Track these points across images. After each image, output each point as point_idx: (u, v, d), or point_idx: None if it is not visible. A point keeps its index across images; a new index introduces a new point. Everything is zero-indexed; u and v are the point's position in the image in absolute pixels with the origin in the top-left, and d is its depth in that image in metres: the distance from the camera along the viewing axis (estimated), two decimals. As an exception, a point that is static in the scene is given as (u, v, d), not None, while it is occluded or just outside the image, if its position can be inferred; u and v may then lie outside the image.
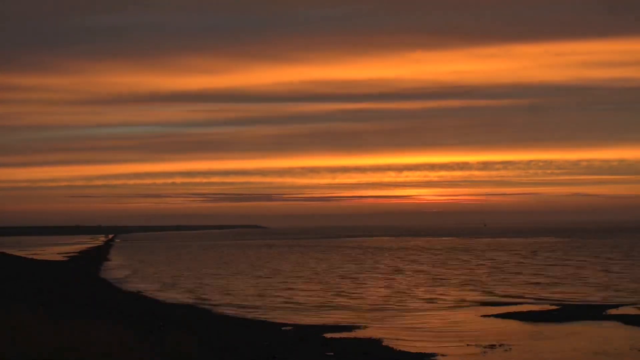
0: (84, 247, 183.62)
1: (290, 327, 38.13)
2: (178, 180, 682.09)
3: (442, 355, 29.88)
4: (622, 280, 64.01)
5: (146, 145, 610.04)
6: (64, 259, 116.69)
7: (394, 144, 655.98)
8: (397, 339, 33.79)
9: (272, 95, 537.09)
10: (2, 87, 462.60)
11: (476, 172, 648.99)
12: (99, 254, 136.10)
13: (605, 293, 53.54)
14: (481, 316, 42.21)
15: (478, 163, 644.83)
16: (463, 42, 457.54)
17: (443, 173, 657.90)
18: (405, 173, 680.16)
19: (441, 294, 55.09)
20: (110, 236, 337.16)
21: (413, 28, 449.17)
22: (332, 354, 29.48)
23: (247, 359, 27.60)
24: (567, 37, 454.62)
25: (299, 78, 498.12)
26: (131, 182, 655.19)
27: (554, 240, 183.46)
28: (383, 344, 32.47)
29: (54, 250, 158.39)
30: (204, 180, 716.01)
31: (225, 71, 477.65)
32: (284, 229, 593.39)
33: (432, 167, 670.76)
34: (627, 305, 45.91)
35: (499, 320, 40.13)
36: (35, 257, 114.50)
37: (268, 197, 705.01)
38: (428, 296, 53.99)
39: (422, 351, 30.71)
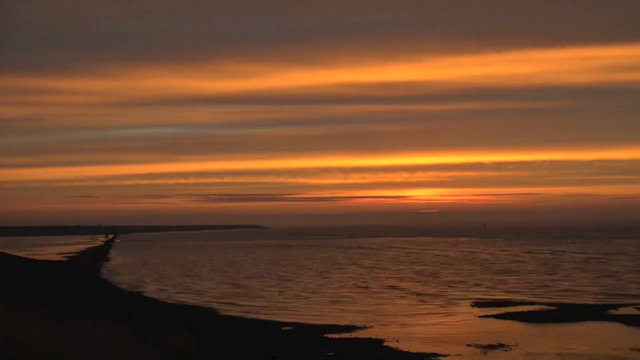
0: (83, 247, 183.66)
1: (290, 327, 38.16)
2: (191, 180, 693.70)
3: (442, 355, 29.90)
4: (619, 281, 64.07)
5: (163, 146, 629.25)
6: (64, 259, 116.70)
7: (410, 145, 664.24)
8: (397, 339, 33.81)
9: (299, 98, 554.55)
10: (36, 90, 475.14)
11: (489, 173, 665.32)
12: (99, 254, 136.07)
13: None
14: (480, 316, 42.22)
15: (492, 163, 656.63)
16: (488, 48, 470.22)
17: (455, 173, 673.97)
18: (418, 173, 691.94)
19: (441, 294, 55.11)
20: (111, 236, 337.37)
21: (440, 34, 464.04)
22: (332, 354, 29.51)
23: (247, 359, 27.62)
24: (591, 42, 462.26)
25: (329, 81, 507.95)
26: (138, 182, 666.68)
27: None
28: (383, 344, 32.50)
29: (54, 250, 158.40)
30: (218, 180, 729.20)
31: (255, 75, 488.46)
32: (284, 229, 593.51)
33: (446, 167, 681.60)
34: (627, 305, 45.93)
35: (499, 321, 40.14)
36: (35, 257, 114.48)
37: (274, 197, 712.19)
38: (428, 296, 54.02)
39: (422, 351, 30.74)
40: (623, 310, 43.48)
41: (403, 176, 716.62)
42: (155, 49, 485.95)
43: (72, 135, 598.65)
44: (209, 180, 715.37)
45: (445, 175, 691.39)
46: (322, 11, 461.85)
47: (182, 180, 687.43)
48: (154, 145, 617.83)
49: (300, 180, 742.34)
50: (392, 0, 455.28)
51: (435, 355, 29.90)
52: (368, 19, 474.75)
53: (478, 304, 48.47)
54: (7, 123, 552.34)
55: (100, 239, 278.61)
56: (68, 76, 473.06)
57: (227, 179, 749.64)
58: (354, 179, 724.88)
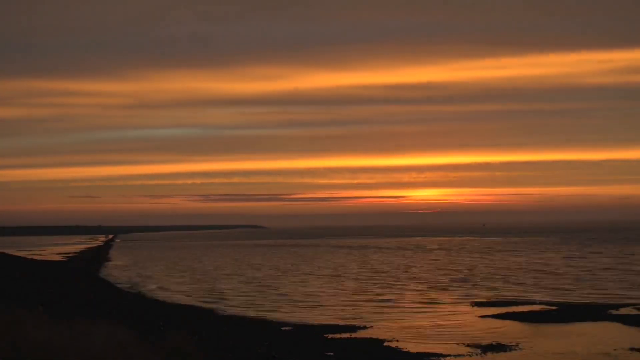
0: (83, 247, 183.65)
1: (290, 327, 38.17)
2: (198, 180, 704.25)
3: (442, 355, 29.88)
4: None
5: (175, 146, 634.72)
6: (64, 259, 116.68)
7: (425, 145, 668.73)
8: (397, 339, 33.80)
9: (316, 100, 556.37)
10: (63, 92, 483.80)
11: (498, 173, 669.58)
12: (99, 254, 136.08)
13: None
14: (481, 316, 42.21)
15: (500, 164, 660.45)
16: (507, 51, 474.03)
17: (462, 173, 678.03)
18: (425, 173, 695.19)
19: (441, 294, 55.12)
20: (110, 236, 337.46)
21: (457, 38, 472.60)
22: (332, 354, 29.51)
23: (247, 359, 27.61)
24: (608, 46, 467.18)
25: (354, 82, 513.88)
26: (143, 182, 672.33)
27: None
28: (383, 344, 32.50)
29: (54, 250, 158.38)
30: (225, 180, 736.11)
31: (273, 78, 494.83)
32: (284, 230, 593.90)
33: (456, 167, 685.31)
34: (627, 305, 45.92)
35: (499, 321, 40.13)
36: (35, 257, 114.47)
37: (274, 197, 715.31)
38: (428, 296, 54.03)
39: (422, 351, 30.74)
40: (623, 311, 43.47)
41: (417, 176, 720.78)
42: (178, 53, 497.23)
43: (82, 136, 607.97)
44: (214, 180, 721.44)
45: (462, 174, 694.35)
46: (347, 16, 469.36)
47: (190, 181, 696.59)
48: (153, 147, 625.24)
49: (309, 180, 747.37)
50: (416, 7, 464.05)
51: (435, 355, 29.89)
52: (394, 24, 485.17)
53: (478, 303, 48.46)
54: (22, 124, 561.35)
55: (100, 239, 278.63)
56: (96, 79, 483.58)
57: (234, 179, 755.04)
58: (362, 179, 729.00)
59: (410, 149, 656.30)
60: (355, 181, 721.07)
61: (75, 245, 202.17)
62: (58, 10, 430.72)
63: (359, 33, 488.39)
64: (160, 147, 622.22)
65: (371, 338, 34.16)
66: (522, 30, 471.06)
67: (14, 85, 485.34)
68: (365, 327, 38.14)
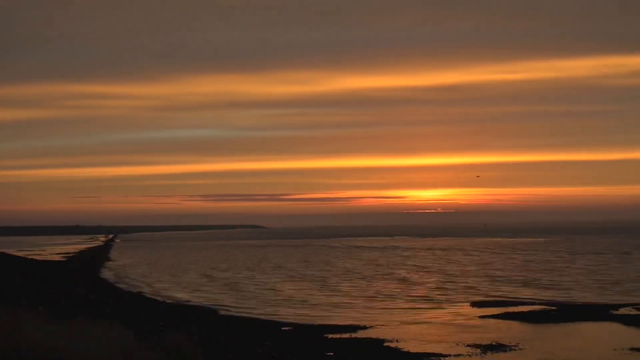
0: (83, 247, 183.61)
1: (290, 327, 38.16)
2: (198, 181, 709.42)
3: (442, 355, 29.88)
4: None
5: (192, 148, 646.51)
6: (64, 259, 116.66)
7: (442, 146, 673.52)
8: (397, 339, 33.80)
9: (329, 102, 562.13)
10: (98, 95, 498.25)
11: (511, 173, 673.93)
12: (99, 254, 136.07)
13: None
14: (481, 317, 42.20)
15: (512, 164, 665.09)
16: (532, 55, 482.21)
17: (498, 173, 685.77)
18: (427, 173, 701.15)
19: (441, 294, 55.12)
20: (110, 236, 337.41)
21: (491, 42, 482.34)
22: (332, 354, 29.51)
23: (247, 358, 27.60)
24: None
25: (359, 85, 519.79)
26: (136, 183, 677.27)
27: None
28: (383, 344, 32.50)
29: (54, 251, 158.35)
30: (225, 180, 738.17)
31: (300, 82, 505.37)
32: (284, 230, 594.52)
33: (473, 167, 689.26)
34: (627, 306, 45.90)
35: (499, 321, 40.12)
36: (35, 257, 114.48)
37: (273, 197, 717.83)
38: (427, 296, 54.03)
39: (422, 351, 30.73)
40: (623, 311, 43.46)
41: (417, 176, 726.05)
42: (208, 58, 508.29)
43: (99, 137, 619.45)
44: (214, 180, 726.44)
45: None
46: (373, 22, 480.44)
47: (190, 181, 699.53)
48: (166, 148, 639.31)
49: (309, 180, 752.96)
50: (445, 14, 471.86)
51: (435, 355, 29.89)
52: (423, 30, 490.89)
53: (478, 303, 48.44)
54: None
55: (100, 239, 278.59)
56: (130, 83, 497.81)
57: (235, 179, 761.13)
58: (363, 179, 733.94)
59: (414, 150, 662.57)
60: (354, 181, 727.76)
61: (76, 245, 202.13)
62: (92, 16, 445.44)
63: (387, 39, 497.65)
64: (162, 149, 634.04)
65: (371, 338, 34.15)
66: (548, 36, 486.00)
67: (48, 88, 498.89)
68: (365, 327, 38.13)
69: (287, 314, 44.92)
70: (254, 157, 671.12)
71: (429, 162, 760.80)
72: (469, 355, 29.93)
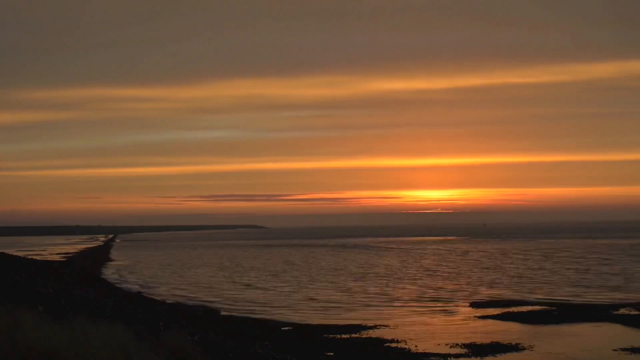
0: (83, 247, 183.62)
1: (290, 327, 38.17)
2: (200, 181, 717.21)
3: (442, 355, 29.90)
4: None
5: (210, 148, 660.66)
6: (64, 259, 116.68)
7: (443, 146, 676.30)
8: (397, 339, 33.80)
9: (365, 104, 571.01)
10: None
11: (521, 173, 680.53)
12: (99, 254, 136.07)
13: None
14: (480, 317, 42.20)
15: (513, 164, 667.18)
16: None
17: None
18: (425, 173, 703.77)
19: (441, 295, 55.11)
20: (110, 236, 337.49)
21: (508, 48, 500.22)
22: (332, 354, 29.52)
23: (247, 358, 27.60)
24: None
25: (385, 87, 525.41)
26: (137, 183, 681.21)
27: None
28: (383, 344, 32.51)
29: (54, 251, 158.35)
30: (225, 181, 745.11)
31: (308, 85, 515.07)
32: (284, 230, 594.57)
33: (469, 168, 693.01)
34: (627, 306, 45.89)
35: (499, 322, 40.12)
36: (35, 257, 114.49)
37: (273, 197, 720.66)
38: (427, 296, 54.03)
39: (422, 351, 30.74)
40: (623, 311, 43.45)
41: (417, 176, 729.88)
42: (241, 62, 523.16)
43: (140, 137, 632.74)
44: (215, 180, 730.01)
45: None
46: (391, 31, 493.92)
47: (190, 182, 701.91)
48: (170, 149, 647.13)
49: (309, 180, 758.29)
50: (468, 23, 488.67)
51: (435, 355, 29.90)
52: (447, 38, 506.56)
53: (478, 304, 48.43)
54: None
55: (100, 239, 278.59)
56: (162, 86, 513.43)
57: (235, 179, 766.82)
58: (362, 179, 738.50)
59: (414, 150, 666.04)
60: (355, 181, 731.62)
61: (75, 245, 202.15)
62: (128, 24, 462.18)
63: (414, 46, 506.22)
64: (162, 150, 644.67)
65: (371, 338, 34.17)
66: (569, 41, 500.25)
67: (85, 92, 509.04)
68: (365, 327, 38.13)
69: (287, 314, 44.95)
70: (254, 158, 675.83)
71: (429, 163, 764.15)
72: (469, 355, 29.94)
